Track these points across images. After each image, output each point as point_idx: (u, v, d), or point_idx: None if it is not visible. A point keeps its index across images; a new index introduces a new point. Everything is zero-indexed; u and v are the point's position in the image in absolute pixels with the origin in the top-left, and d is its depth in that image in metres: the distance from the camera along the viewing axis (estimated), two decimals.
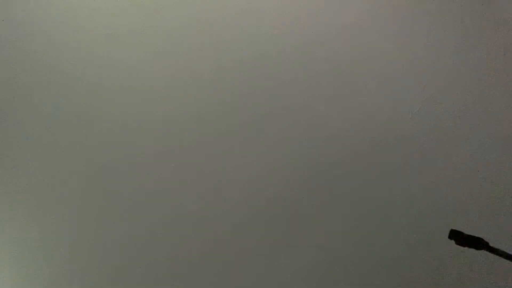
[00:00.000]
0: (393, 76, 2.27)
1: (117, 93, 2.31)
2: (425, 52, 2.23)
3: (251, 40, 2.25)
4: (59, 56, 2.30)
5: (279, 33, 2.24)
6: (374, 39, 2.23)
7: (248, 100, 2.30)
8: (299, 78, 2.29)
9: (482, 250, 1.70)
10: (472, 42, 2.20)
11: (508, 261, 1.70)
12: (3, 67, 2.29)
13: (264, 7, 2.22)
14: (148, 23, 2.28)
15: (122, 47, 2.30)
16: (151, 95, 2.32)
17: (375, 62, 2.26)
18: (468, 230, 1.70)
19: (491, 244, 1.69)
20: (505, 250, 1.68)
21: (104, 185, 2.35)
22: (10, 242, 2.38)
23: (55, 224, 2.37)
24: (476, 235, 1.70)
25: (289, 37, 2.25)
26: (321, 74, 2.28)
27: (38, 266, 2.39)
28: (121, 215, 2.35)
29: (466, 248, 1.71)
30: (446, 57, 2.24)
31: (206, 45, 2.28)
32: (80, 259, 2.38)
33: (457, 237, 1.70)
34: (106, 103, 2.31)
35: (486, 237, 1.67)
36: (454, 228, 1.73)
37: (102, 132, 2.32)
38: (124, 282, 2.38)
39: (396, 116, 2.29)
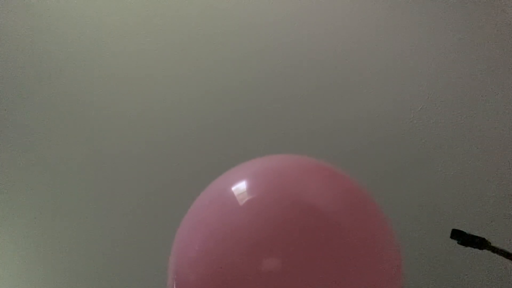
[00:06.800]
0: (395, 74, 2.27)
1: (118, 84, 2.30)
2: (428, 51, 2.24)
3: (249, 39, 2.25)
4: (62, 49, 2.30)
5: (278, 31, 2.25)
6: (376, 37, 2.24)
7: (246, 97, 2.29)
8: (298, 77, 2.29)
9: (485, 250, 1.68)
10: (474, 42, 2.21)
11: (511, 261, 1.68)
12: (5, 58, 2.29)
13: (263, 3, 2.23)
14: (150, 15, 2.28)
15: (124, 39, 2.29)
16: (151, 86, 2.31)
17: (377, 60, 2.26)
18: (470, 230, 1.68)
19: (493, 244, 1.67)
20: (508, 250, 1.66)
21: (104, 177, 2.34)
22: (10, 241, 2.35)
23: (54, 219, 2.35)
24: (478, 235, 1.68)
25: (288, 35, 2.25)
26: (320, 73, 2.28)
27: (39, 263, 2.36)
28: (121, 211, 2.33)
29: (468, 248, 1.69)
30: (449, 55, 2.24)
31: (205, 37, 2.28)
32: (79, 257, 2.36)
33: (459, 236, 1.69)
34: (107, 93, 2.31)
35: (488, 237, 1.66)
36: (456, 228, 1.71)
37: (101, 122, 2.31)
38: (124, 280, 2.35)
39: (398, 115, 2.29)
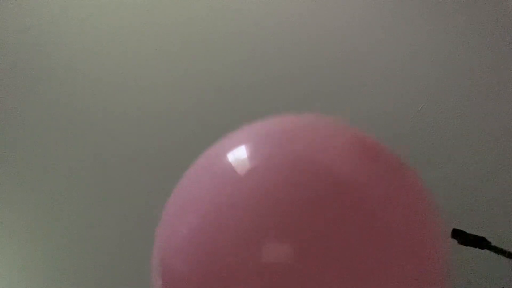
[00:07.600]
0: (395, 74, 2.27)
1: (116, 89, 2.30)
2: (428, 51, 2.24)
3: (248, 39, 2.25)
4: (60, 53, 2.30)
5: (276, 31, 2.24)
6: (376, 37, 2.24)
7: (246, 98, 2.29)
8: (299, 77, 2.28)
9: (485, 250, 1.68)
10: (475, 42, 2.21)
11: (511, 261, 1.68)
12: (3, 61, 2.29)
13: (262, 5, 2.23)
14: (147, 20, 2.28)
15: (121, 43, 2.29)
16: (149, 91, 2.31)
17: (377, 60, 2.26)
18: (470, 230, 1.68)
19: (494, 244, 1.67)
20: (508, 250, 1.66)
21: (103, 182, 2.34)
22: (10, 241, 2.36)
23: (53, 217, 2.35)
24: (479, 235, 1.68)
25: (287, 35, 2.24)
26: (321, 73, 2.27)
27: (39, 263, 2.36)
28: (120, 213, 2.33)
29: (468, 247, 1.68)
30: (449, 55, 2.24)
31: (202, 42, 2.28)
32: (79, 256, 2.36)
33: (460, 236, 1.68)
34: (105, 98, 2.30)
35: (488, 237, 1.65)
36: (456, 228, 1.70)
37: (100, 127, 2.31)
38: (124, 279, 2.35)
39: (398, 115, 2.29)
